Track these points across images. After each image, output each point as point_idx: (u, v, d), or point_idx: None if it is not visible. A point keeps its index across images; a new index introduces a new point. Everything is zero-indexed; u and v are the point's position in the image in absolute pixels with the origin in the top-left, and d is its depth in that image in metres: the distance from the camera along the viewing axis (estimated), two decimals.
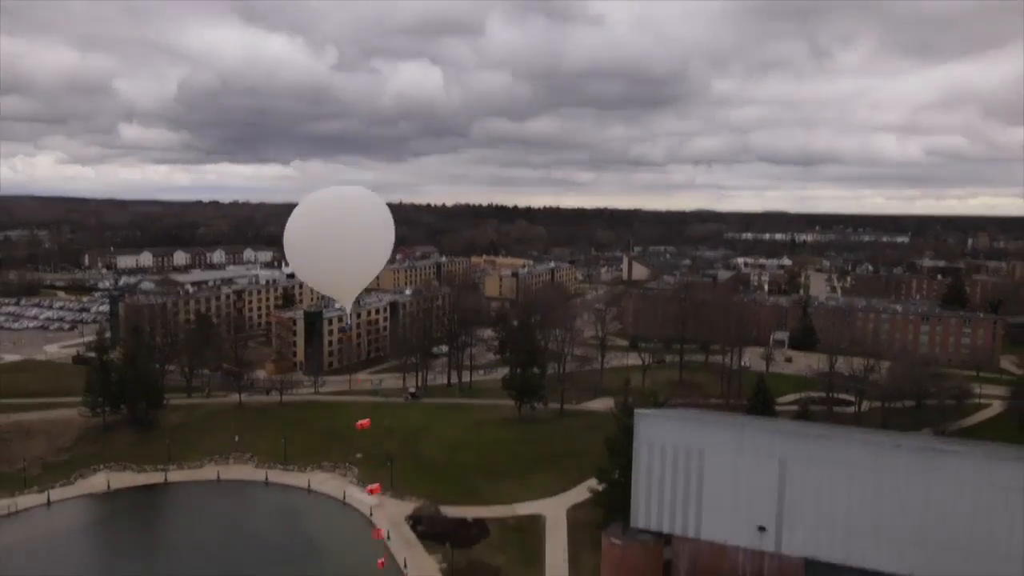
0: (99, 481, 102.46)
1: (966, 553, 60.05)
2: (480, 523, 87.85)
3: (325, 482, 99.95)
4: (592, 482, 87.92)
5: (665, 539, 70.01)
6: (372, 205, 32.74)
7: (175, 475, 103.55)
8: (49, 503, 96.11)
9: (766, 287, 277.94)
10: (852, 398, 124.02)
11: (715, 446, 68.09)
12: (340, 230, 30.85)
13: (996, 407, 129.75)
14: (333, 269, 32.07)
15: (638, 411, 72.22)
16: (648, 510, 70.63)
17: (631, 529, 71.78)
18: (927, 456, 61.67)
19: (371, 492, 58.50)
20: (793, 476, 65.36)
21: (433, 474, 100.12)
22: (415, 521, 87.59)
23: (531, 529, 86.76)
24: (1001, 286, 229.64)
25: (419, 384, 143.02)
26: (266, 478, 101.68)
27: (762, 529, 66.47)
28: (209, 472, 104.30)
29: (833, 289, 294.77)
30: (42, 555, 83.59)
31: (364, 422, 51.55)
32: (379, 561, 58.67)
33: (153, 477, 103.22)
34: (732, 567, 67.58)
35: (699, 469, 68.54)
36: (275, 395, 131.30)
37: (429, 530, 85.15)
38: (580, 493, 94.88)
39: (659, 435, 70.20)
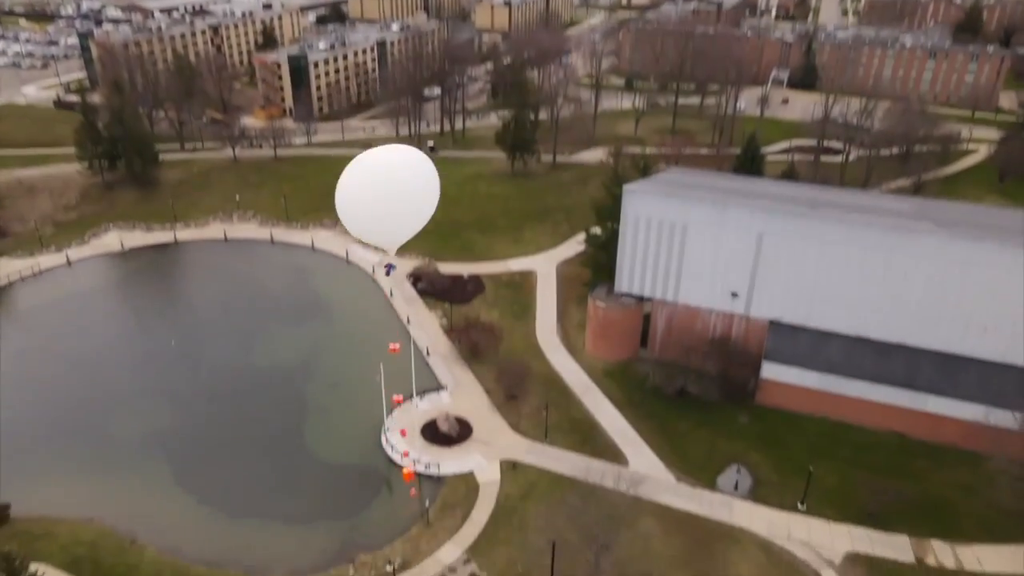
0: (112, 240, 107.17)
1: (917, 318, 66.52)
2: (475, 279, 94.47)
3: (328, 240, 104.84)
4: (581, 236, 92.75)
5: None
6: (418, 163, 33.37)
7: (183, 234, 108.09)
8: (69, 263, 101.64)
9: (774, 12, 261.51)
10: (842, 147, 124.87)
11: (698, 222, 71.44)
12: (388, 189, 31.25)
13: (981, 153, 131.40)
14: (383, 225, 32.97)
15: (626, 187, 74.31)
16: (631, 277, 76.14)
17: (615, 293, 78.04)
18: (895, 234, 65.31)
19: (393, 351, 63.03)
20: (768, 249, 69.67)
21: (429, 230, 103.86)
22: (415, 279, 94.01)
23: (523, 285, 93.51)
24: (1017, 13, 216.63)
25: (412, 132, 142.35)
26: (271, 236, 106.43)
27: (735, 295, 72.44)
28: (215, 230, 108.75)
29: (845, 13, 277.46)
30: (71, 312, 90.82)
31: (395, 347, 55.30)
32: (392, 346, 64.20)
33: (163, 236, 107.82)
34: (704, 326, 74.86)
35: (681, 242, 72.65)
36: (268, 149, 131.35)
37: (428, 287, 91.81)
38: (569, 248, 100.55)
39: (645, 210, 73.18)
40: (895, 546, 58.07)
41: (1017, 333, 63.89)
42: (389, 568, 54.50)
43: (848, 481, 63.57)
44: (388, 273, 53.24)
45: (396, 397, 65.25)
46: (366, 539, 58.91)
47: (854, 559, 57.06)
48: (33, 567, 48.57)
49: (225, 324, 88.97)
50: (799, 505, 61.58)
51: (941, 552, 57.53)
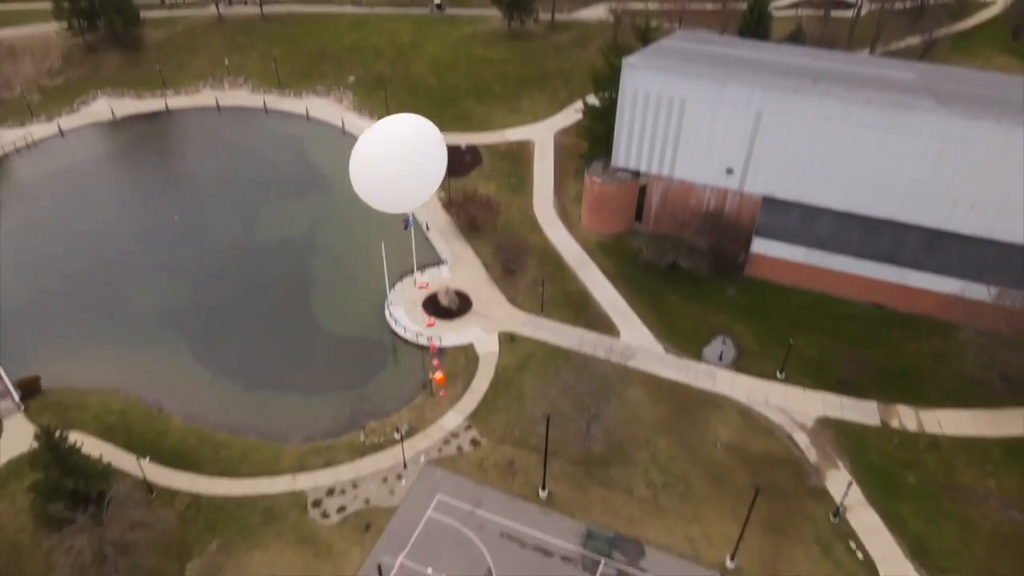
0: (102, 108, 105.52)
1: (907, 194, 67.79)
2: (473, 150, 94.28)
3: (322, 108, 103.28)
4: (579, 104, 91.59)
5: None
6: (425, 131, 33.05)
7: (174, 101, 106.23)
8: (62, 133, 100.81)
9: None
10: (853, 1, 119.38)
11: (697, 97, 70.72)
12: (399, 157, 31.17)
13: (998, 5, 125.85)
14: (395, 191, 33.10)
15: (626, 60, 72.72)
16: (628, 152, 76.36)
17: (611, 168, 78.56)
18: (893, 111, 65.04)
19: (421, 287, 64.62)
20: (766, 125, 69.58)
21: (426, 99, 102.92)
22: None
23: (520, 156, 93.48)
24: None
25: None
26: (264, 105, 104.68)
27: (730, 171, 73.14)
28: (207, 98, 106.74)
29: None
30: (71, 185, 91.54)
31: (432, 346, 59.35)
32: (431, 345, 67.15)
33: (153, 104, 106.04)
34: (698, 201, 76.13)
35: (679, 117, 72.31)
36: (254, 6, 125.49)
37: None
38: (567, 117, 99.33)
39: (644, 85, 72.13)
40: (863, 411, 62.86)
41: (1002, 209, 65.49)
42: (397, 435, 59.39)
43: (826, 351, 67.56)
44: (406, 227, 54.61)
45: (421, 283, 67.81)
46: (374, 408, 63.60)
47: (824, 423, 62.00)
48: (72, 437, 52.80)
49: (225, 197, 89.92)
50: (778, 374, 65.86)
51: (905, 416, 62.41)
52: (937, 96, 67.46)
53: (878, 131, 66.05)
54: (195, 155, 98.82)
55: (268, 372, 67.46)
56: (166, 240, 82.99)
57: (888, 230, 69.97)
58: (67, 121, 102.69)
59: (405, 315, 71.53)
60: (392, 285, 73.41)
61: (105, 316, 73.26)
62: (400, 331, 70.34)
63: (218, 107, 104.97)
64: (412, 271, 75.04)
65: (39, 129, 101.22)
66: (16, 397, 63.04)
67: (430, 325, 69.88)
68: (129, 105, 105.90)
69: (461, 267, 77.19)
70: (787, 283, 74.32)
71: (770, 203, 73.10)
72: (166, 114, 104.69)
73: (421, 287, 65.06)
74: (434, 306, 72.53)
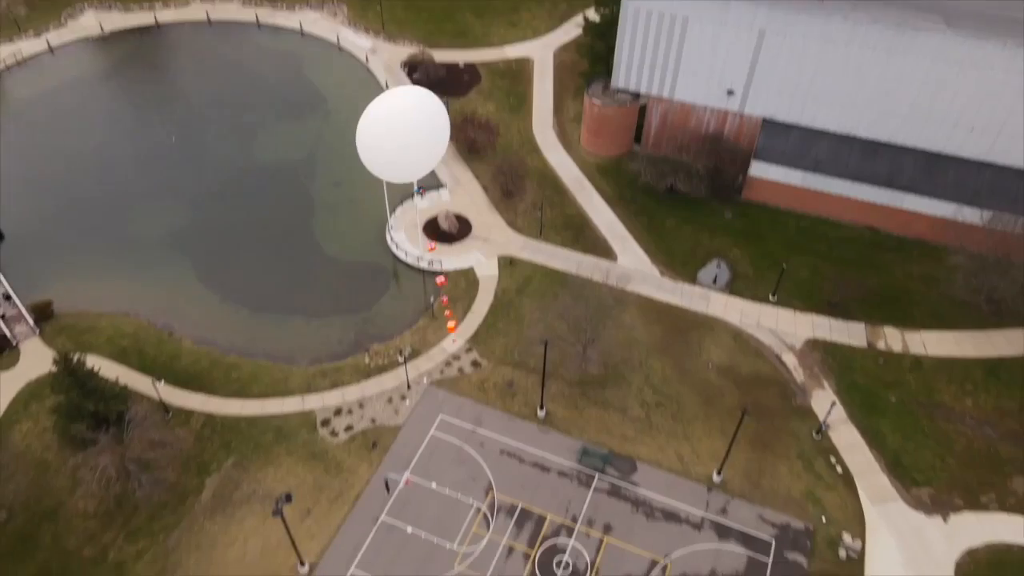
0: (90, 22, 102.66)
1: (908, 116, 67.77)
2: (471, 68, 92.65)
3: (316, 23, 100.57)
4: (579, 19, 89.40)
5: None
6: (430, 103, 32.59)
7: (164, 15, 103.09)
8: (51, 49, 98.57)
9: None
10: None
11: (699, 15, 69.31)
12: (404, 129, 30.99)
13: None
14: (401, 162, 32.98)
15: None
16: (628, 73, 75.42)
17: (611, 89, 77.77)
18: (898, 32, 64.00)
19: (431, 250, 66.13)
20: (768, 46, 68.61)
21: (423, 13, 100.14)
22: (410, 69, 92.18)
23: (519, 74, 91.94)
24: None
25: None
26: (256, 19, 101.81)
27: (730, 92, 72.58)
28: (197, 11, 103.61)
29: None
30: (65, 104, 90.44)
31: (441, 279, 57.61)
32: (439, 279, 68.57)
33: (142, 17, 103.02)
34: (698, 123, 75.88)
35: (681, 36, 71.10)
36: None
37: (424, 78, 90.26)
38: (567, 32, 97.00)
39: (645, 3, 70.42)
40: (851, 332, 64.97)
41: (1002, 133, 65.53)
42: (400, 358, 61.65)
43: (818, 274, 69.09)
44: (417, 191, 55.48)
45: (430, 246, 69.06)
46: (378, 331, 65.66)
47: (813, 344, 64.23)
48: (89, 361, 54.94)
49: (221, 117, 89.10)
50: (771, 297, 67.59)
51: (891, 338, 64.57)
52: (945, 14, 66.07)
53: (882, 52, 65.21)
54: (188, 73, 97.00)
55: (273, 296, 69.14)
56: (164, 161, 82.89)
57: (886, 153, 70.14)
58: (56, 36, 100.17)
59: (406, 239, 72.57)
60: (392, 209, 74.08)
61: (109, 239, 74.21)
62: (401, 255, 71.56)
63: (209, 21, 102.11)
64: (412, 195, 75.85)
65: (28, 45, 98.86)
66: (31, 321, 64.93)
67: (431, 250, 70.98)
68: (117, 19, 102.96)
69: (460, 191, 77.61)
70: (784, 206, 74.99)
71: (770, 125, 72.85)
72: (156, 29, 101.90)
73: (431, 249, 66.05)
74: (434, 230, 73.48)
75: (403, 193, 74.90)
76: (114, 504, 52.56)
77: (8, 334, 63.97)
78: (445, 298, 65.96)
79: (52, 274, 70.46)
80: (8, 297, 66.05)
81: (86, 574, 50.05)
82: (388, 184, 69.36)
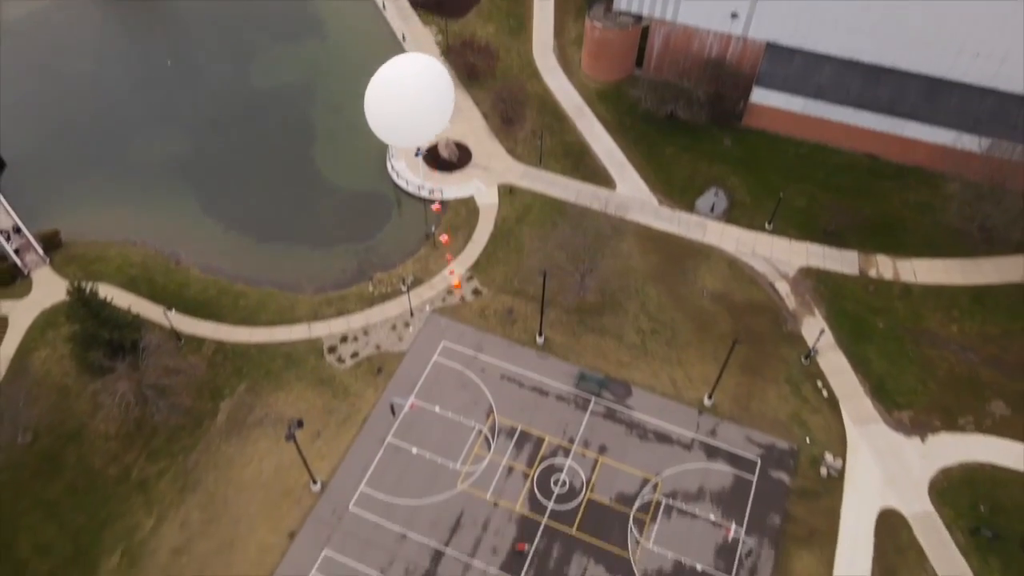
0: None
1: (913, 40, 66.85)
2: None
3: None
4: None
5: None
6: (435, 71, 32.56)
7: None
8: None
9: None
10: None
11: None
12: (410, 95, 31.16)
13: None
14: (407, 127, 33.17)
15: None
16: None
17: (613, 12, 76.33)
18: None
19: (436, 210, 62.97)
20: None
21: None
22: None
23: None
24: None
25: None
26: None
27: (734, 15, 71.36)
28: None
29: None
30: (57, 27, 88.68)
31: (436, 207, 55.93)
32: (435, 206, 67.28)
33: None
34: (700, 47, 74.90)
35: None
36: None
37: None
38: None
39: None
40: (844, 260, 66.31)
41: (1007, 59, 64.83)
42: (403, 286, 63.29)
43: (815, 202, 69.84)
44: (417, 154, 54.79)
45: (435, 206, 68.20)
46: (380, 260, 67.05)
47: (806, 272, 65.68)
48: (102, 292, 56.56)
49: (216, 41, 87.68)
50: (767, 225, 68.57)
51: (883, 265, 65.94)
52: None
53: None
54: (186, 5, 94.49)
55: (277, 225, 70.16)
56: (161, 86, 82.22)
57: (889, 79, 69.50)
58: None
59: (407, 168, 72.95)
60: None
61: (109, 166, 74.50)
62: (402, 184, 72.15)
63: None
64: None
65: None
66: (40, 251, 66.26)
67: (437, 211, 68.96)
68: None
69: (460, 117, 77.26)
70: (784, 133, 74.94)
71: (773, 50, 71.87)
72: None
73: (436, 210, 65.33)
74: (435, 158, 73.74)
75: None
76: (134, 427, 55.34)
77: (19, 263, 65.43)
78: (449, 255, 65.61)
79: (55, 202, 71.19)
80: (18, 229, 67.10)
81: (111, 491, 53.25)
82: None
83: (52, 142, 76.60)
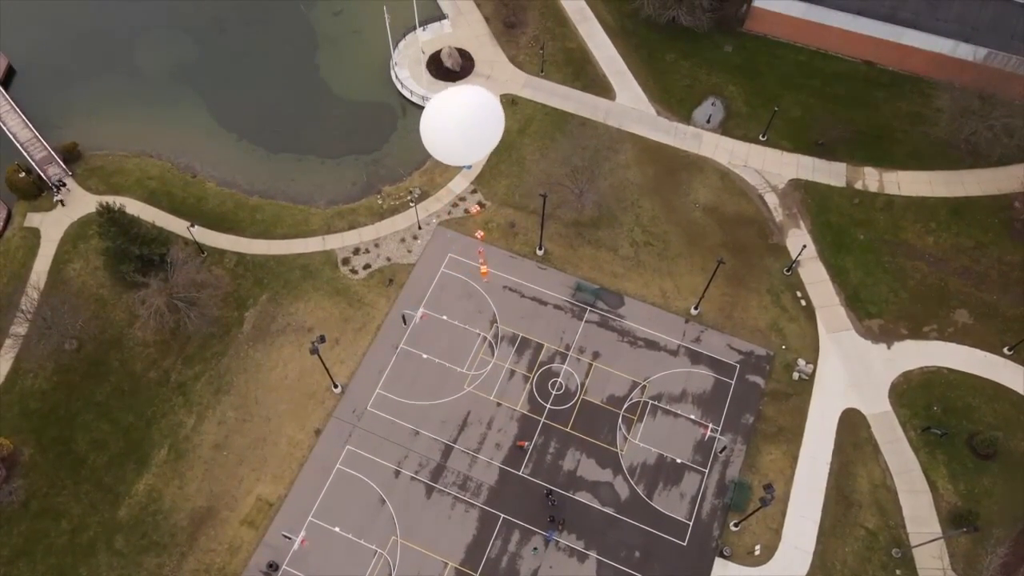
0: None
1: None
2: None
3: None
4: None
5: None
6: (488, 101, 41.42)
7: None
8: None
9: None
10: None
11: None
12: (463, 121, 36.55)
13: None
14: (460, 150, 38.75)
15: None
16: None
17: None
18: None
19: (423, 318, 60.09)
20: None
21: None
22: None
23: None
24: None
25: None
26: None
27: None
28: None
29: None
30: None
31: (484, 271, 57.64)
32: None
33: None
34: None
35: None
36: None
37: None
38: None
39: None
40: (833, 172, 68.97)
41: None
42: (410, 199, 66.56)
43: (809, 112, 71.53)
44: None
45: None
46: (388, 172, 69.86)
47: (795, 184, 68.56)
48: (129, 208, 60.03)
49: None
50: (761, 136, 70.66)
51: (869, 177, 68.68)
52: None
53: None
54: None
55: (286, 135, 72.18)
56: None
57: None
58: None
59: (411, 77, 74.03)
60: (395, 44, 74.63)
61: (116, 74, 75.19)
62: (406, 94, 73.55)
63: None
64: (415, 28, 75.93)
65: None
66: (62, 163, 68.95)
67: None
68: None
69: (462, 22, 77.31)
70: (784, 38, 75.27)
71: None
72: None
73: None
74: (438, 67, 74.60)
75: (404, 26, 75.05)
76: (169, 334, 60.59)
77: (43, 176, 68.36)
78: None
79: (66, 114, 72.62)
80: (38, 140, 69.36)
81: (153, 393, 59.34)
82: (389, 16, 69.97)
83: (55, 51, 76.62)
